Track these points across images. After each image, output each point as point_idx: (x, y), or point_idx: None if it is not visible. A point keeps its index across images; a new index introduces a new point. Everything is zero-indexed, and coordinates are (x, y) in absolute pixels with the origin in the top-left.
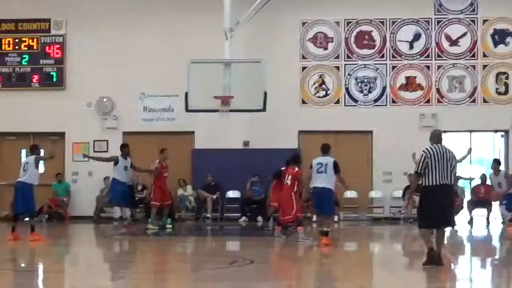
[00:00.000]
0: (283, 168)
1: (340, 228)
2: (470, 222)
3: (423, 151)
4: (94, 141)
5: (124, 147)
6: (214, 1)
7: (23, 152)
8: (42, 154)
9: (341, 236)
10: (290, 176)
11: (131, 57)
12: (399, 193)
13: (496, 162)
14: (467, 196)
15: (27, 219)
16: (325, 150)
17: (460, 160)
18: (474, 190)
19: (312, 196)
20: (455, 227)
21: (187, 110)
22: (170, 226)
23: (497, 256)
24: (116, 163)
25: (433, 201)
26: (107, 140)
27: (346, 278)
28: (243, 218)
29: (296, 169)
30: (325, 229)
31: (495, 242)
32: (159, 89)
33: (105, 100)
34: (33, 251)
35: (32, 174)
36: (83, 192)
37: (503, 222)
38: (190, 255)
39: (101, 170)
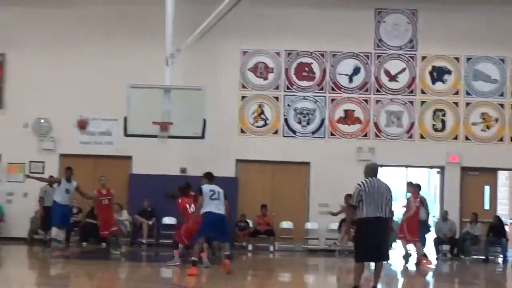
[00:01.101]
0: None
1: (275, 259)
2: (405, 257)
3: (358, 184)
4: (30, 162)
5: (67, 170)
6: (156, 27)
7: None
8: None
9: (276, 266)
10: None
11: (72, 79)
12: (335, 225)
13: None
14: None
15: None
16: (212, 177)
17: None
18: None
19: (205, 221)
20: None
21: (125, 134)
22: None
23: None
24: (58, 185)
25: (368, 234)
26: (43, 162)
27: None
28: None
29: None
30: (228, 253)
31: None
32: (98, 113)
33: (42, 121)
34: None
35: None
36: (18, 213)
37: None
38: (125, 281)
39: (37, 191)
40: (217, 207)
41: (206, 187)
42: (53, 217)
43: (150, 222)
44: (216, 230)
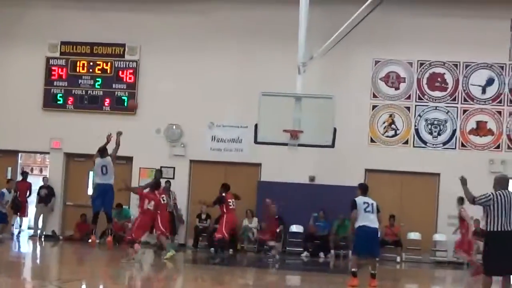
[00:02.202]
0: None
1: (402, 269)
2: None
3: (490, 192)
4: (161, 167)
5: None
6: (288, 35)
7: (91, 174)
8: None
9: (402, 277)
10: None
11: (202, 86)
12: None
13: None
14: None
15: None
16: (366, 190)
17: None
18: None
19: (359, 235)
20: None
21: (255, 142)
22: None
23: None
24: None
25: (499, 247)
26: (173, 167)
27: None
28: (305, 253)
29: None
30: (374, 271)
31: None
32: (229, 119)
33: (174, 127)
34: (93, 272)
35: (112, 174)
36: None
37: None
38: (251, 287)
39: None
40: (371, 220)
41: (360, 199)
42: None
43: (278, 230)
44: (369, 245)
